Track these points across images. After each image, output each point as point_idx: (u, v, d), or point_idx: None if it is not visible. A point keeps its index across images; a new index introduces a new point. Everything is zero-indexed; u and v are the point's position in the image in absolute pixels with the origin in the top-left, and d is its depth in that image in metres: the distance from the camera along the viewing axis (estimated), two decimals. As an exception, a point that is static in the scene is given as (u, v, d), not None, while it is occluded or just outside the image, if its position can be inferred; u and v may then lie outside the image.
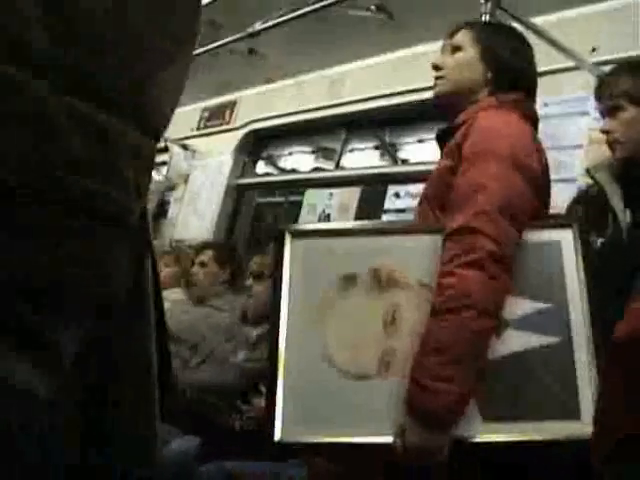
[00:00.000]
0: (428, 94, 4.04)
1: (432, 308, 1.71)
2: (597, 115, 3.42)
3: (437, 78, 2.16)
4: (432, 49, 4.34)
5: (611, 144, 2.26)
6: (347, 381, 1.73)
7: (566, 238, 1.81)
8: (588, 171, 2.38)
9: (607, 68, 3.40)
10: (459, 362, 1.64)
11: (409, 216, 4.20)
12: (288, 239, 1.87)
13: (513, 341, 1.71)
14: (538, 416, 1.65)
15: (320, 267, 1.84)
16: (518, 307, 1.73)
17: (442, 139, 2.11)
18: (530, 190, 1.82)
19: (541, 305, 1.72)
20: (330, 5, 3.45)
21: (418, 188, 4.26)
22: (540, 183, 1.90)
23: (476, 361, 1.67)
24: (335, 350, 1.76)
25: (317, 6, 3.54)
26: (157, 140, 0.77)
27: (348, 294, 1.80)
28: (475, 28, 2.20)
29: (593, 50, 3.69)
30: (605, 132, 2.27)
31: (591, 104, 3.41)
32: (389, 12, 4.05)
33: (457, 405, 1.65)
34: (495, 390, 1.69)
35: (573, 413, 1.64)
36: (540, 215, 1.90)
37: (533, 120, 2.07)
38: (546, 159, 1.98)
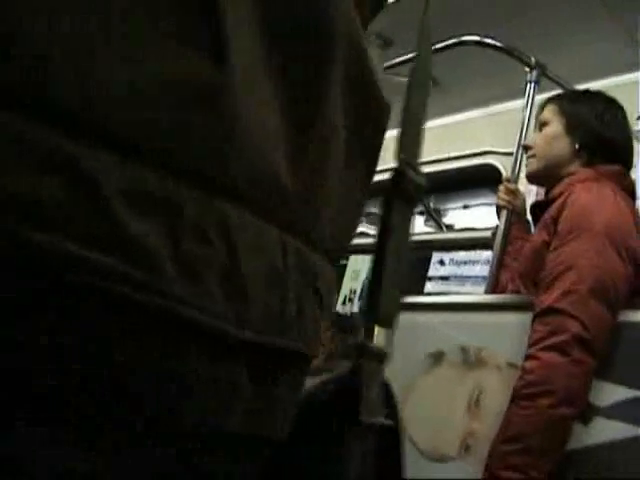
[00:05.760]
0: (472, 161, 4.04)
1: (513, 393, 1.64)
2: (643, 183, 3.39)
3: (528, 157, 2.17)
4: (477, 115, 4.35)
5: None
6: (425, 461, 1.68)
7: None
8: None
9: (653, 135, 3.38)
10: (533, 451, 1.57)
11: (453, 284, 4.15)
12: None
13: (602, 430, 1.60)
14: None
15: (406, 343, 1.79)
16: (610, 394, 1.62)
17: (537, 212, 2.10)
18: (628, 268, 1.75)
19: (634, 393, 1.60)
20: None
21: (462, 255, 4.23)
22: None
23: (552, 451, 1.59)
24: (415, 429, 1.71)
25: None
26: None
27: (433, 371, 1.77)
28: (559, 100, 2.18)
29: (639, 118, 3.67)
30: None
31: (636, 172, 3.38)
32: (434, 78, 4.08)
33: None
34: (579, 481, 1.59)
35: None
36: None
37: (632, 193, 2.01)
38: None
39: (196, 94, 0.44)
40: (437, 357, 1.76)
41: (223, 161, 0.46)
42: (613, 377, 1.64)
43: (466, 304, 1.89)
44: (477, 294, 3.41)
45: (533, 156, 2.15)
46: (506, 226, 2.43)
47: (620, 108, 2.16)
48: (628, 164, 2.09)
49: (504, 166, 3.82)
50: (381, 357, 0.75)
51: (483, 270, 3.91)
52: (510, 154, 2.66)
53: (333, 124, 0.58)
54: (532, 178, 2.20)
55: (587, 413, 1.63)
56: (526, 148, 2.20)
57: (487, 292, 2.33)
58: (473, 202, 4.83)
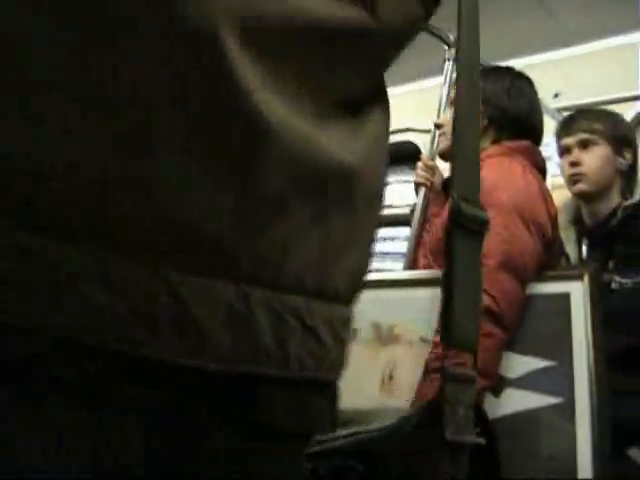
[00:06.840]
0: (392, 137, 4.06)
1: (424, 366, 1.65)
2: (560, 161, 3.44)
3: (440, 135, 2.20)
4: (399, 92, 4.36)
5: (574, 176, 2.28)
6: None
7: (576, 290, 1.69)
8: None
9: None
10: None
11: (373, 260, 4.17)
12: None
13: (512, 401, 1.62)
14: (534, 480, 1.56)
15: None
16: (519, 365, 1.65)
17: (447, 188, 2.10)
18: (536, 242, 1.78)
19: (544, 363, 1.62)
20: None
21: (382, 232, 4.24)
22: (548, 235, 1.86)
23: None
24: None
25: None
26: None
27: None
28: None
29: (556, 96, 3.73)
30: (574, 164, 2.28)
31: (553, 150, 3.44)
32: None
33: None
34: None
35: (570, 477, 1.55)
36: (550, 268, 1.85)
37: (541, 169, 2.04)
38: (555, 209, 1.95)
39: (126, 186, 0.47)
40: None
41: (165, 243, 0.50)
42: (522, 349, 1.67)
43: (378, 281, 1.87)
44: (388, 271, 3.42)
45: (444, 134, 2.17)
46: (424, 203, 2.44)
47: (529, 83, 2.17)
48: (538, 140, 2.12)
49: (424, 143, 3.84)
50: (466, 379, 0.81)
51: (402, 246, 3.94)
52: (429, 131, 2.66)
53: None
54: (444, 156, 2.22)
55: (498, 385, 1.65)
56: (437, 126, 2.21)
57: (405, 269, 2.33)
58: (392, 179, 4.84)
